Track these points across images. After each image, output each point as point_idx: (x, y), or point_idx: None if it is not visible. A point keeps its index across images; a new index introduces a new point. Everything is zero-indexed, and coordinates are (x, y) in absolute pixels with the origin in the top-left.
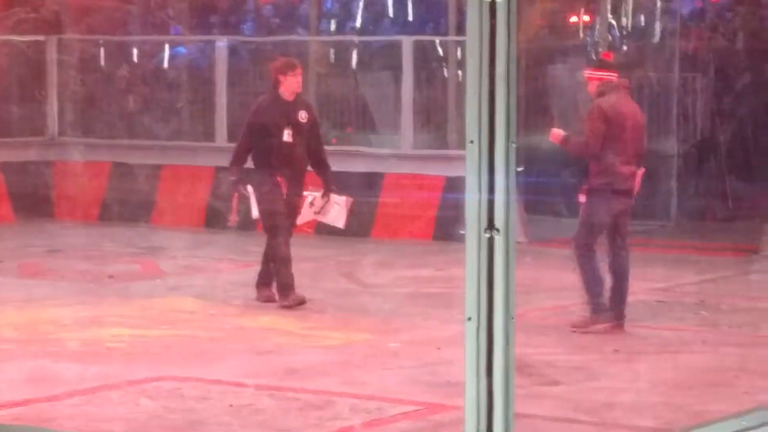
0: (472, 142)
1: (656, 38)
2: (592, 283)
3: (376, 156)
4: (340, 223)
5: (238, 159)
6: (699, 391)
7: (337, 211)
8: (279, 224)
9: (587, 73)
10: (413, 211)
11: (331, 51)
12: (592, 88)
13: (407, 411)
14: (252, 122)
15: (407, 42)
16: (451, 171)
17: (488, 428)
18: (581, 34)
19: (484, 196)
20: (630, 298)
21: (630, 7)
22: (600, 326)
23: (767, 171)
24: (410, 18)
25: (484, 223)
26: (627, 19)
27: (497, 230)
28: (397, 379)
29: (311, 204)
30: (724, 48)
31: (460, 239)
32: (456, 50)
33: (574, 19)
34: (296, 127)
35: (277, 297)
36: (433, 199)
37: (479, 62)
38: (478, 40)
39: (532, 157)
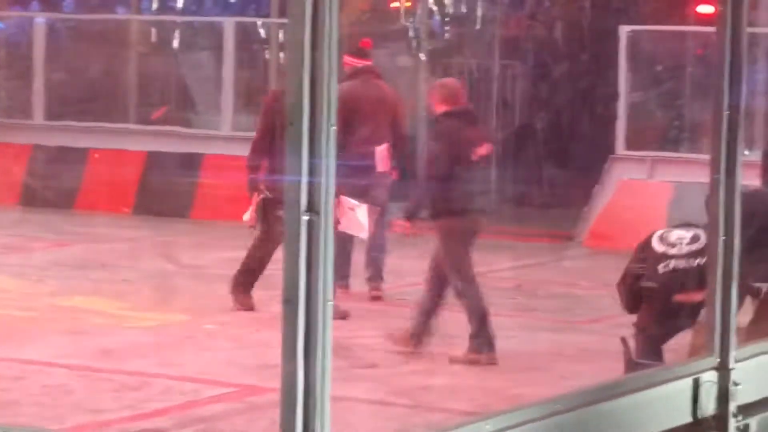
0: (292, 124)
1: (477, 25)
2: (337, 260)
3: (195, 136)
4: (362, 233)
5: (258, 155)
6: (514, 375)
7: (355, 217)
8: None
9: (345, 59)
10: (233, 192)
11: (153, 30)
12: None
13: (223, 393)
14: (273, 113)
15: (229, 23)
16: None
17: (304, 410)
18: (402, 20)
19: (304, 179)
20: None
21: None
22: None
23: (582, 158)
24: None
25: (304, 206)
26: (448, 6)
27: (316, 213)
28: (214, 361)
29: None
30: (543, 36)
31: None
32: (278, 32)
33: (396, 4)
34: None
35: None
36: None
37: (301, 45)
38: (300, 22)
39: None
